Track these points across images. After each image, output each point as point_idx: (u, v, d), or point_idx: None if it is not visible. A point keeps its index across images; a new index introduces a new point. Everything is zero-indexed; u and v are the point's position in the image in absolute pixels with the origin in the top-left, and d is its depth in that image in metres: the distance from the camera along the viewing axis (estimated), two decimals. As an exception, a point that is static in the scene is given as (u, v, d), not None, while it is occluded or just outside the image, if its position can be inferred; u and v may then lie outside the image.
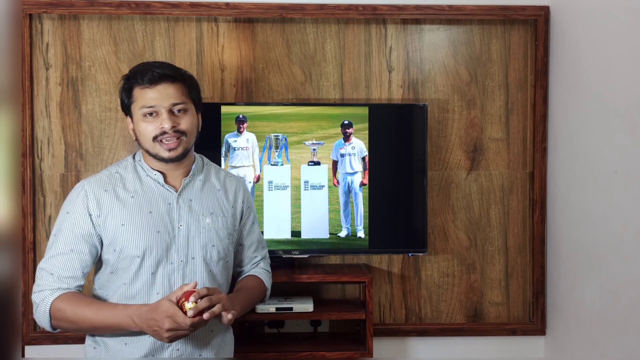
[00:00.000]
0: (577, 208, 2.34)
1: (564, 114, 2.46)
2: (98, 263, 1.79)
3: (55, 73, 2.49)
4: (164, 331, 1.56)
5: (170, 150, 1.71)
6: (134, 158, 1.82)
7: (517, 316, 2.64)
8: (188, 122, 1.74)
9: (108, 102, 2.51)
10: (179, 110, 1.72)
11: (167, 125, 1.69)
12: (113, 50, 2.51)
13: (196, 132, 1.79)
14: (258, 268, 1.97)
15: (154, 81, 1.70)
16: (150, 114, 1.70)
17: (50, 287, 1.68)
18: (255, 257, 1.97)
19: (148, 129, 1.71)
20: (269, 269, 2.02)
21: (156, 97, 1.70)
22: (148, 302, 1.69)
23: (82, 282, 1.72)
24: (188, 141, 1.75)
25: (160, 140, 1.71)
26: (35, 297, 1.69)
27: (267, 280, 1.97)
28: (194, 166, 1.81)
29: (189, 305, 1.55)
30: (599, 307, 2.17)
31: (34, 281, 2.43)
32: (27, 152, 2.45)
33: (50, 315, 1.66)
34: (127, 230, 1.71)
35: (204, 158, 1.89)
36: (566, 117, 2.44)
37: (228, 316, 1.62)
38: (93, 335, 1.77)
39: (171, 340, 1.59)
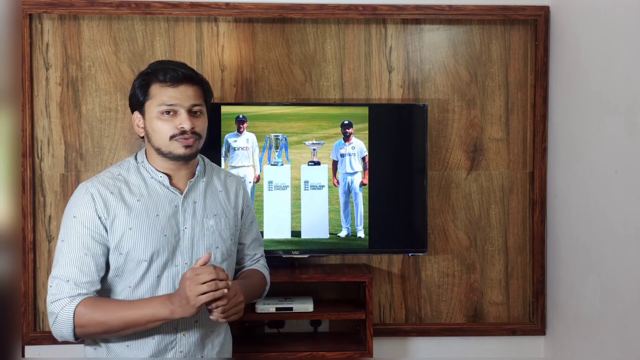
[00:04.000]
0: (577, 208, 2.34)
1: (564, 114, 2.46)
2: None
3: (55, 73, 2.49)
4: (197, 288, 1.54)
5: (187, 147, 1.70)
6: (135, 159, 1.80)
7: (517, 316, 2.64)
8: (203, 124, 1.74)
9: (108, 102, 2.51)
10: (196, 112, 1.72)
11: (186, 126, 1.68)
12: (113, 50, 2.51)
13: (205, 136, 1.79)
14: (259, 264, 1.97)
15: (176, 80, 1.69)
16: (168, 112, 1.69)
17: (68, 294, 1.63)
18: (255, 254, 1.97)
19: (164, 127, 1.69)
20: (267, 266, 2.02)
21: (177, 96, 1.69)
22: None
23: (99, 287, 1.68)
24: (200, 143, 1.75)
25: (177, 140, 1.70)
26: (53, 307, 1.63)
27: (267, 275, 1.98)
28: (198, 168, 1.81)
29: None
30: (599, 307, 2.17)
31: (34, 282, 2.47)
32: (27, 152, 2.45)
33: (74, 323, 1.61)
34: (135, 234, 1.69)
35: (205, 159, 1.89)
36: (566, 117, 2.44)
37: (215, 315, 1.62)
38: (94, 339, 1.75)
39: (204, 300, 1.56)
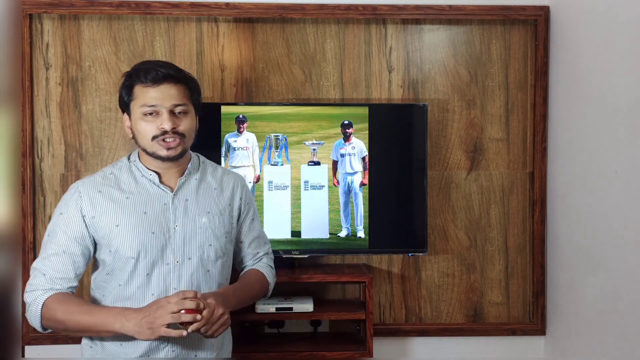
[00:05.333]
0: (577, 208, 2.34)
1: (564, 114, 2.46)
2: (96, 263, 1.79)
3: (55, 73, 2.49)
4: (164, 317, 1.56)
5: (169, 149, 1.70)
6: (128, 159, 1.81)
7: (517, 316, 2.64)
8: (187, 124, 1.73)
9: (108, 102, 2.51)
10: (180, 112, 1.72)
11: (167, 126, 1.68)
12: (113, 50, 2.51)
13: (194, 134, 1.78)
14: (261, 262, 1.96)
15: (157, 80, 1.69)
16: (151, 113, 1.69)
17: (42, 287, 1.68)
18: (257, 253, 1.96)
19: (147, 128, 1.70)
20: (272, 265, 2.01)
21: (158, 96, 1.69)
22: (143, 303, 1.69)
23: (74, 284, 1.72)
24: (186, 143, 1.75)
25: (159, 141, 1.70)
26: (27, 297, 1.69)
27: (269, 274, 1.95)
28: (189, 165, 1.80)
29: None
30: (599, 307, 2.17)
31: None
32: (27, 152, 2.45)
33: (41, 315, 1.66)
34: (122, 231, 1.71)
35: (200, 156, 1.88)
36: (566, 117, 2.44)
37: (187, 330, 1.60)
38: (90, 337, 1.76)
39: (163, 333, 1.57)
